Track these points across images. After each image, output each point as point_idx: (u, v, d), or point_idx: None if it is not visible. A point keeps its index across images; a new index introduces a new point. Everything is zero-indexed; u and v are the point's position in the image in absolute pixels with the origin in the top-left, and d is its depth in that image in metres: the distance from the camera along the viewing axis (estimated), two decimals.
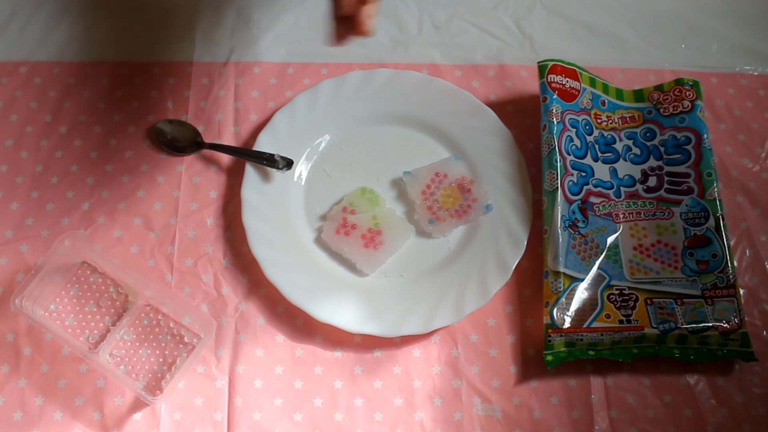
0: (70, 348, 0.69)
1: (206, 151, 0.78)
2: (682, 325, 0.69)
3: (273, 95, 0.81)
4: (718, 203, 0.73)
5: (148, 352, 0.69)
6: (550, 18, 0.87)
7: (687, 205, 0.73)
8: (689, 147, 0.76)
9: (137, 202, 0.75)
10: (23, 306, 0.66)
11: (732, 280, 0.70)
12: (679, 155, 0.76)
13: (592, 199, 0.74)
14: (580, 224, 0.72)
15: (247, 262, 0.73)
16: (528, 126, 0.80)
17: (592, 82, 0.78)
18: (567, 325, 0.68)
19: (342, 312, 0.69)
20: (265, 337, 0.71)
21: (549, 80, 0.76)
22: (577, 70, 0.78)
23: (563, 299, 0.69)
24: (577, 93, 0.77)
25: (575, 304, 0.69)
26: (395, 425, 0.68)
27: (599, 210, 0.74)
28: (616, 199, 0.75)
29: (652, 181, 0.75)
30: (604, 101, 0.78)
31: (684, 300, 0.70)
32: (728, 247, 0.71)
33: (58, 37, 0.83)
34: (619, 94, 0.80)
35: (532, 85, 0.81)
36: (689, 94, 0.77)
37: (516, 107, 0.81)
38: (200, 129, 0.78)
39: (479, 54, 0.85)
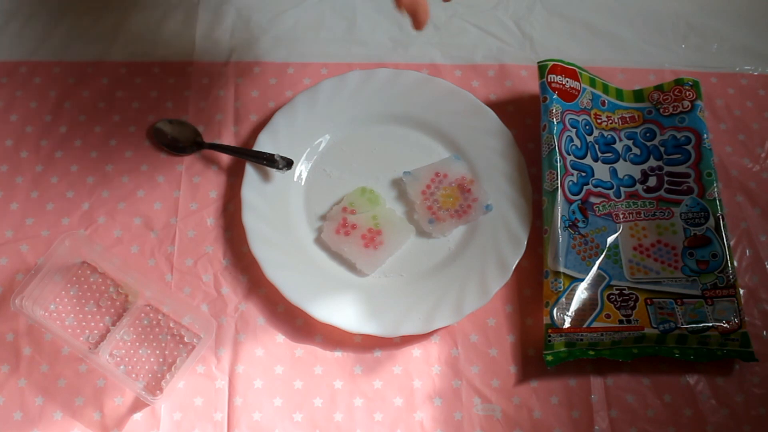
0: (70, 348, 0.68)
1: (206, 151, 0.78)
2: (682, 325, 0.69)
3: (273, 95, 0.81)
4: (718, 203, 0.73)
5: (148, 352, 0.69)
6: (550, 18, 0.87)
7: (687, 205, 0.73)
8: (689, 147, 0.76)
9: (137, 202, 0.75)
10: (23, 306, 0.66)
11: (732, 280, 0.70)
12: (679, 155, 0.76)
13: (592, 199, 0.74)
14: (580, 224, 0.72)
15: (247, 262, 0.73)
16: (528, 126, 0.80)
17: (592, 82, 0.78)
18: (567, 325, 0.68)
19: (342, 312, 0.69)
20: (265, 337, 0.71)
21: (549, 80, 0.76)
22: (577, 70, 0.78)
23: (563, 299, 0.69)
24: (577, 93, 0.77)
25: (575, 304, 0.69)
26: (395, 425, 0.68)
27: (599, 210, 0.74)
28: (616, 199, 0.75)
29: (652, 181, 0.75)
30: (604, 101, 0.78)
31: (684, 300, 0.70)
32: (728, 247, 0.71)
33: (58, 37, 0.83)
34: (619, 94, 0.80)
35: (532, 85, 0.81)
36: (689, 94, 0.77)
37: (516, 107, 0.81)
38: (200, 129, 0.78)
39: (479, 54, 0.85)
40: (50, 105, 0.79)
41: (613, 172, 0.76)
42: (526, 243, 0.72)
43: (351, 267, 0.73)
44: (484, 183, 0.75)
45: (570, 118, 0.75)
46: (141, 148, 0.78)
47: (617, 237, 0.73)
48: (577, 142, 0.75)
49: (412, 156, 0.77)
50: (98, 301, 0.71)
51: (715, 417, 0.69)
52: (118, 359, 0.69)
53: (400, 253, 0.73)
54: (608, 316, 0.69)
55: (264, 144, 0.76)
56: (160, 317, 0.70)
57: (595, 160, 0.76)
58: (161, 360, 0.69)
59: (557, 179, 0.72)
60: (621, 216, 0.74)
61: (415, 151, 0.78)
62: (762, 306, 0.73)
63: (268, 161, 0.74)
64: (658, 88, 0.79)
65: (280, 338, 0.71)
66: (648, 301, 0.70)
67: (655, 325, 0.69)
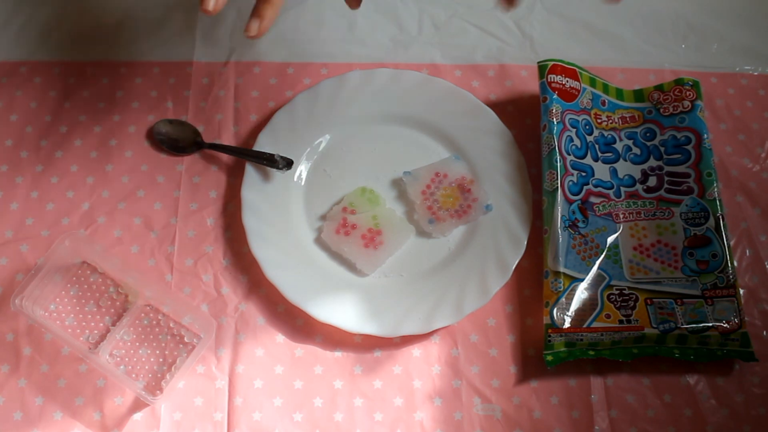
0: (70, 348, 0.68)
1: (206, 151, 0.78)
2: (682, 325, 0.69)
3: (273, 95, 0.81)
4: (718, 203, 0.73)
5: (148, 352, 0.69)
6: (550, 18, 0.87)
7: (687, 205, 0.73)
8: (689, 147, 0.76)
9: (137, 202, 0.75)
10: (23, 306, 0.66)
11: (732, 280, 0.70)
12: (679, 155, 0.76)
13: (592, 199, 0.74)
14: (580, 224, 0.72)
15: (247, 262, 0.73)
16: (528, 126, 0.80)
17: (592, 82, 0.78)
18: (567, 325, 0.68)
19: (342, 312, 0.69)
20: (265, 337, 0.70)
21: (549, 80, 0.76)
22: (577, 70, 0.78)
23: (563, 299, 0.69)
24: (577, 93, 0.77)
25: (575, 304, 0.69)
26: (395, 425, 0.68)
27: (599, 210, 0.74)
28: (616, 199, 0.75)
29: (652, 181, 0.75)
30: (604, 101, 0.78)
31: (684, 300, 0.70)
32: (728, 247, 0.71)
33: (58, 37, 0.83)
34: (619, 94, 0.80)
35: (532, 85, 0.81)
36: (689, 94, 0.77)
37: (516, 107, 0.81)
38: (200, 129, 0.78)
39: (479, 54, 0.85)
40: (50, 105, 0.79)
41: (613, 172, 0.76)
42: (526, 243, 0.72)
43: (351, 267, 0.73)
44: (484, 183, 0.75)
45: (570, 118, 0.75)
46: (141, 148, 0.78)
47: (617, 237, 0.73)
48: (577, 142, 0.75)
49: (412, 156, 0.77)
50: (98, 301, 0.71)
51: (715, 417, 0.69)
52: (118, 359, 0.69)
53: (400, 253, 0.73)
54: (608, 316, 0.69)
55: (264, 144, 0.76)
56: (160, 317, 0.70)
57: (595, 160, 0.76)
58: (161, 360, 0.69)
59: (557, 179, 0.72)
60: (621, 216, 0.74)
61: (415, 151, 0.78)
62: (762, 306, 0.73)
63: (268, 161, 0.74)
64: (658, 88, 0.79)
65: (280, 338, 0.71)
66: (648, 301, 0.70)
67: (655, 325, 0.69)
